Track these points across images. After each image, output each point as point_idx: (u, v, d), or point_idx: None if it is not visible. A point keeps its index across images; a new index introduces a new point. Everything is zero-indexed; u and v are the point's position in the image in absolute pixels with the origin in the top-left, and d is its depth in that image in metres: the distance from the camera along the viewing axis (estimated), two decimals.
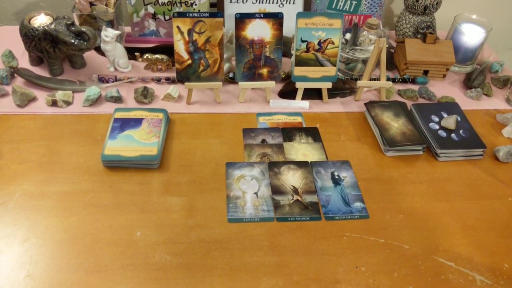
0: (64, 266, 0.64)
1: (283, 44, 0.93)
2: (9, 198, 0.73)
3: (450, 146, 0.86)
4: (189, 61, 0.91)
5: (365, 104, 0.94)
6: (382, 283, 0.65)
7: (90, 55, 1.05)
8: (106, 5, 1.06)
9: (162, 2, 1.08)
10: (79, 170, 0.79)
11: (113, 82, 0.99)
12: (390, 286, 0.65)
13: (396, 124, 0.89)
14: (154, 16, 1.10)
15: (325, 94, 0.98)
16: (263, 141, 0.87)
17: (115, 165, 0.80)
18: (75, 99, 0.94)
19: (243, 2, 1.11)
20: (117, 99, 0.94)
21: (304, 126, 0.92)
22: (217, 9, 1.10)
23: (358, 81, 0.98)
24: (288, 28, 0.97)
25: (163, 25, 1.12)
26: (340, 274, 0.66)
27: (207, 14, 0.87)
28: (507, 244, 0.72)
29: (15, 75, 0.97)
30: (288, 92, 0.99)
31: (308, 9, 1.13)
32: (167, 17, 1.11)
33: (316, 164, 0.83)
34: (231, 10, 1.10)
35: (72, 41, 0.92)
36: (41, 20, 0.95)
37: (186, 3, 1.08)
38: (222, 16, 0.87)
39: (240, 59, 0.92)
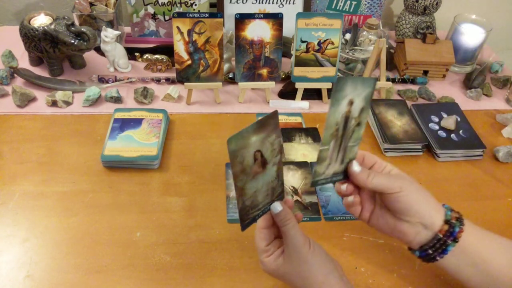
0: (64, 266, 0.64)
1: (283, 45, 0.93)
2: (9, 198, 0.73)
3: (449, 146, 0.86)
4: (189, 62, 0.91)
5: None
6: (382, 284, 0.65)
7: (90, 55, 1.05)
8: (106, 5, 1.06)
9: (162, 3, 1.08)
10: (79, 170, 0.79)
11: (113, 82, 0.99)
12: (390, 287, 0.65)
13: (399, 123, 0.89)
14: (154, 17, 1.10)
15: (325, 94, 0.98)
16: None
17: (115, 165, 0.80)
18: (75, 99, 0.94)
19: (243, 2, 1.11)
20: (117, 100, 0.94)
21: (304, 126, 0.92)
22: (217, 9, 1.10)
23: None
24: (288, 29, 0.97)
25: (163, 25, 1.12)
26: None
27: (207, 15, 0.87)
28: None
29: (15, 75, 0.97)
30: (287, 93, 0.99)
31: (308, 9, 1.13)
32: (167, 18, 1.11)
33: None
34: (231, 10, 1.10)
35: (72, 41, 0.92)
36: (41, 21, 0.95)
37: (186, 3, 1.08)
38: (222, 16, 0.87)
39: (239, 60, 0.93)
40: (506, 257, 0.53)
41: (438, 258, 0.54)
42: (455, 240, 0.53)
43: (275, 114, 0.49)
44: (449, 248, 0.53)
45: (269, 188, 0.52)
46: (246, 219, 0.52)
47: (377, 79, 1.01)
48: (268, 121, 0.48)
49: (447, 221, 0.53)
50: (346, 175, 0.55)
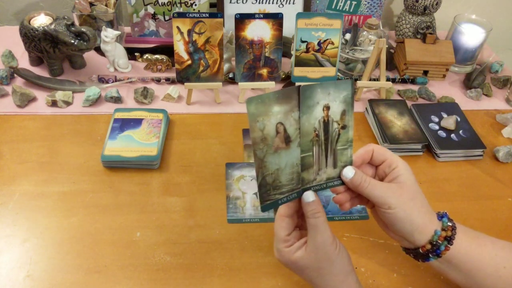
0: (64, 266, 0.64)
1: (283, 45, 0.93)
2: (9, 198, 0.73)
3: (449, 146, 0.86)
4: (189, 62, 0.91)
5: (369, 101, 0.94)
6: (382, 284, 0.65)
7: (90, 55, 1.05)
8: (106, 5, 1.06)
9: (162, 3, 1.08)
10: (79, 170, 0.79)
11: (113, 82, 0.99)
12: (390, 287, 0.65)
13: (399, 123, 0.89)
14: (154, 17, 1.10)
15: None
16: None
17: (115, 165, 0.80)
18: (75, 99, 0.94)
19: (243, 2, 1.11)
20: (117, 99, 0.94)
21: None
22: (217, 9, 1.10)
23: (358, 81, 0.98)
24: (288, 29, 0.97)
25: (163, 25, 1.12)
26: None
27: (207, 15, 0.87)
28: None
29: (15, 75, 0.97)
30: None
31: (308, 9, 1.13)
32: (167, 18, 1.11)
33: None
34: (231, 10, 1.10)
35: (72, 41, 0.92)
36: (41, 20, 0.95)
37: (186, 3, 1.08)
38: (222, 16, 0.87)
39: (239, 60, 0.93)
40: (493, 267, 0.53)
41: (420, 261, 0.54)
42: (438, 256, 0.52)
43: (297, 89, 0.46)
44: (431, 259, 0.53)
45: (294, 172, 0.50)
46: (267, 199, 0.50)
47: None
48: (290, 93, 0.47)
49: (432, 242, 0.52)
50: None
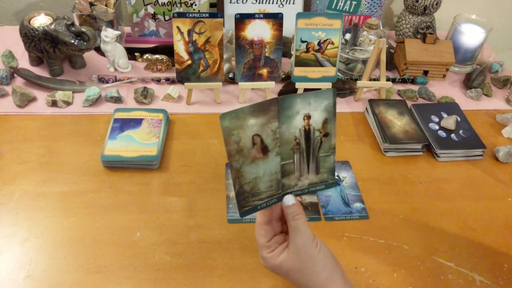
0: (64, 266, 0.64)
1: (283, 45, 0.93)
2: (9, 198, 0.73)
3: (449, 146, 0.86)
4: (189, 62, 0.91)
5: (369, 101, 0.94)
6: (382, 284, 0.65)
7: (90, 55, 1.05)
8: (106, 5, 1.06)
9: (162, 3, 1.08)
10: (79, 170, 0.79)
11: (113, 82, 0.99)
12: (390, 287, 0.65)
13: (399, 123, 0.89)
14: (154, 17, 1.10)
15: None
16: None
17: (115, 165, 0.80)
18: (75, 99, 0.94)
19: (243, 2, 1.11)
20: (117, 100, 0.94)
21: None
22: (217, 9, 1.10)
23: (358, 81, 0.98)
24: (288, 29, 0.97)
25: (163, 25, 1.12)
26: None
27: (207, 15, 0.87)
28: (507, 244, 0.72)
29: (15, 75, 0.97)
30: (288, 93, 0.99)
31: (308, 9, 1.13)
32: (167, 18, 1.11)
33: None
34: (231, 10, 1.10)
35: (72, 41, 0.92)
36: (41, 21, 0.95)
37: (186, 3, 1.08)
38: (222, 16, 0.87)
39: (240, 60, 0.92)
40: None
41: None
42: None
43: (275, 100, 0.48)
44: None
45: (272, 179, 0.52)
46: (245, 206, 0.52)
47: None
48: (267, 106, 0.48)
49: None
50: (328, 186, 0.56)
